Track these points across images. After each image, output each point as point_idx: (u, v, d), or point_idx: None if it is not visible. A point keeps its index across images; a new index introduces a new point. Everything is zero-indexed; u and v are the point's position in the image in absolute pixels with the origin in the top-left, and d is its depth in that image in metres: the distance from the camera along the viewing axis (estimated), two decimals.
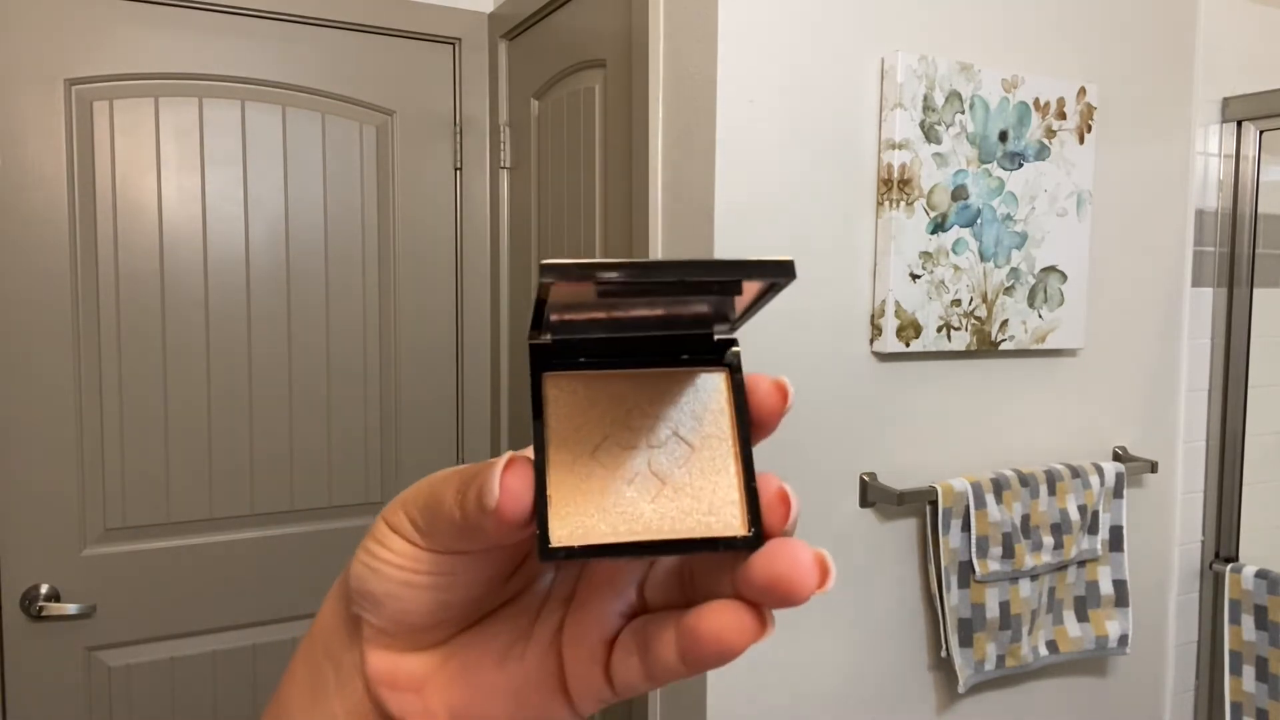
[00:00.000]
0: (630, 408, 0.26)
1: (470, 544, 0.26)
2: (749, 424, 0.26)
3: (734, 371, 0.27)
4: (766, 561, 0.24)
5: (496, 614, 0.30)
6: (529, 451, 0.28)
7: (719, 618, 0.24)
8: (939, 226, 1.29)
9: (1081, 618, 1.44)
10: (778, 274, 0.23)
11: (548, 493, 0.25)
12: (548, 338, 0.26)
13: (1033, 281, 1.38)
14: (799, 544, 0.24)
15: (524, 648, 0.29)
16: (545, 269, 0.22)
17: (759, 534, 0.25)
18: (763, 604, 0.24)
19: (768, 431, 0.27)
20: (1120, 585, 1.45)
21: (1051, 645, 1.41)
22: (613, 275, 0.22)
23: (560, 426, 0.26)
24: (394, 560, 0.27)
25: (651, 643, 0.26)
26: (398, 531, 0.27)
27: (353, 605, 0.29)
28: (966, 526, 1.31)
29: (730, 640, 0.24)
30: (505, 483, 0.24)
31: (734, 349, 0.27)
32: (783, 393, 0.26)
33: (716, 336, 0.27)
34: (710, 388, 0.27)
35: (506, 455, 0.24)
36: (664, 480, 0.26)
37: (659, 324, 0.26)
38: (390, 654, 0.29)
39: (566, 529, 0.25)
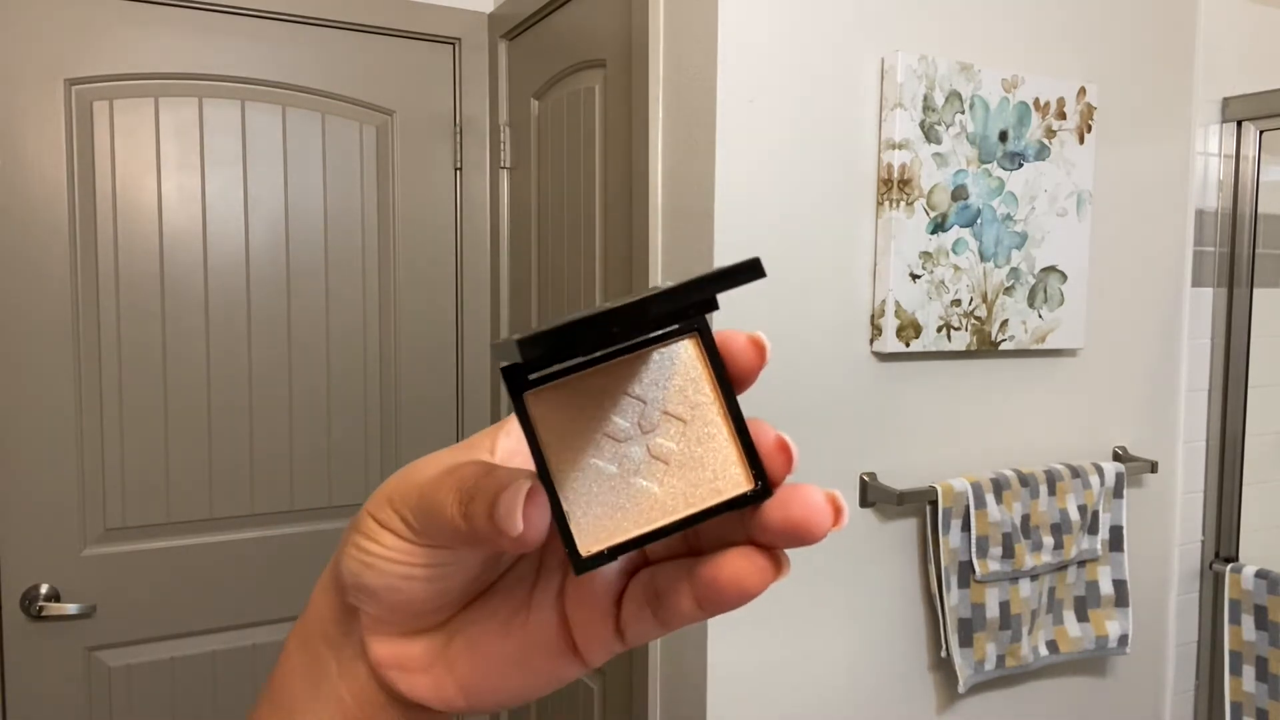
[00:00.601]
0: (614, 399, 0.26)
1: (473, 548, 0.26)
2: (730, 381, 0.26)
3: (703, 334, 0.27)
4: (782, 508, 0.25)
5: (495, 586, 0.30)
6: (523, 451, 0.28)
7: (737, 564, 0.25)
8: (939, 226, 1.29)
9: (1081, 618, 1.44)
10: (749, 278, 0.23)
11: (563, 508, 0.25)
12: (514, 358, 0.26)
13: (1033, 281, 1.38)
14: (810, 488, 0.25)
15: (526, 614, 0.29)
16: (522, 345, 0.22)
17: (766, 486, 0.26)
18: (779, 547, 0.25)
19: (747, 386, 0.27)
20: (1120, 585, 1.45)
21: (1051, 645, 1.41)
22: (586, 334, 0.23)
23: (554, 440, 0.26)
24: (389, 555, 0.27)
25: (665, 594, 0.27)
26: (388, 528, 0.27)
27: (347, 597, 0.29)
28: (966, 526, 1.31)
29: (749, 584, 0.25)
30: (528, 517, 0.24)
31: (704, 318, 0.27)
32: (758, 347, 0.26)
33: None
34: (685, 356, 0.27)
35: (522, 485, 0.24)
36: (666, 460, 0.26)
37: None
38: (393, 639, 0.29)
39: (591, 536, 0.25)
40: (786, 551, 0.26)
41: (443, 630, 0.29)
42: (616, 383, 0.26)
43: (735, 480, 0.26)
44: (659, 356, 0.26)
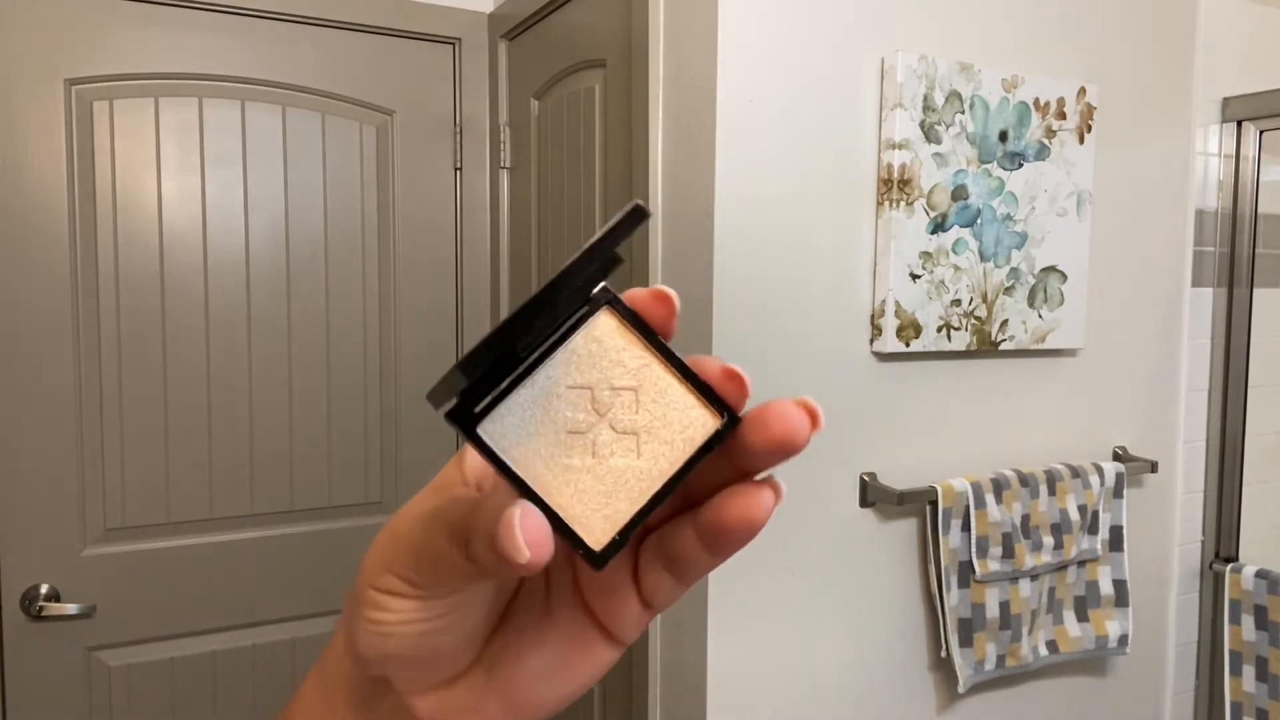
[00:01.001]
0: (561, 397, 0.26)
1: (483, 582, 0.26)
2: (658, 336, 0.27)
3: (615, 304, 0.27)
4: (761, 430, 0.25)
5: (512, 605, 0.30)
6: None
7: (736, 502, 0.26)
8: (939, 226, 1.29)
9: (1081, 618, 1.44)
10: (636, 224, 0.24)
11: (559, 516, 0.25)
12: (453, 400, 0.26)
13: (1033, 281, 1.38)
14: (781, 402, 0.25)
15: (552, 620, 0.29)
16: (462, 367, 0.23)
17: (732, 415, 0.26)
18: (769, 466, 0.26)
19: (671, 334, 0.27)
20: (1120, 585, 1.45)
21: (1051, 645, 1.41)
22: (511, 336, 0.23)
23: (522, 456, 0.26)
24: (402, 618, 0.27)
25: (676, 553, 0.27)
26: (393, 593, 0.27)
27: (371, 670, 0.28)
28: (966, 526, 1.31)
29: (755, 515, 0.26)
30: (529, 540, 0.23)
31: (601, 285, 0.27)
32: (659, 298, 0.27)
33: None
34: (606, 329, 0.27)
35: (514, 512, 0.24)
36: (635, 431, 0.26)
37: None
38: (435, 693, 0.29)
39: (597, 529, 0.25)
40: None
41: (479, 665, 0.29)
42: (556, 381, 0.26)
43: (703, 422, 0.26)
44: (583, 340, 0.27)
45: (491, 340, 0.23)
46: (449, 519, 0.25)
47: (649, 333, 0.27)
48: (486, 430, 0.26)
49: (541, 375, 0.26)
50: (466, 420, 0.26)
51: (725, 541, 0.26)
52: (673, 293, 0.27)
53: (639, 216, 0.24)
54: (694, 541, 0.27)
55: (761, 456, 0.25)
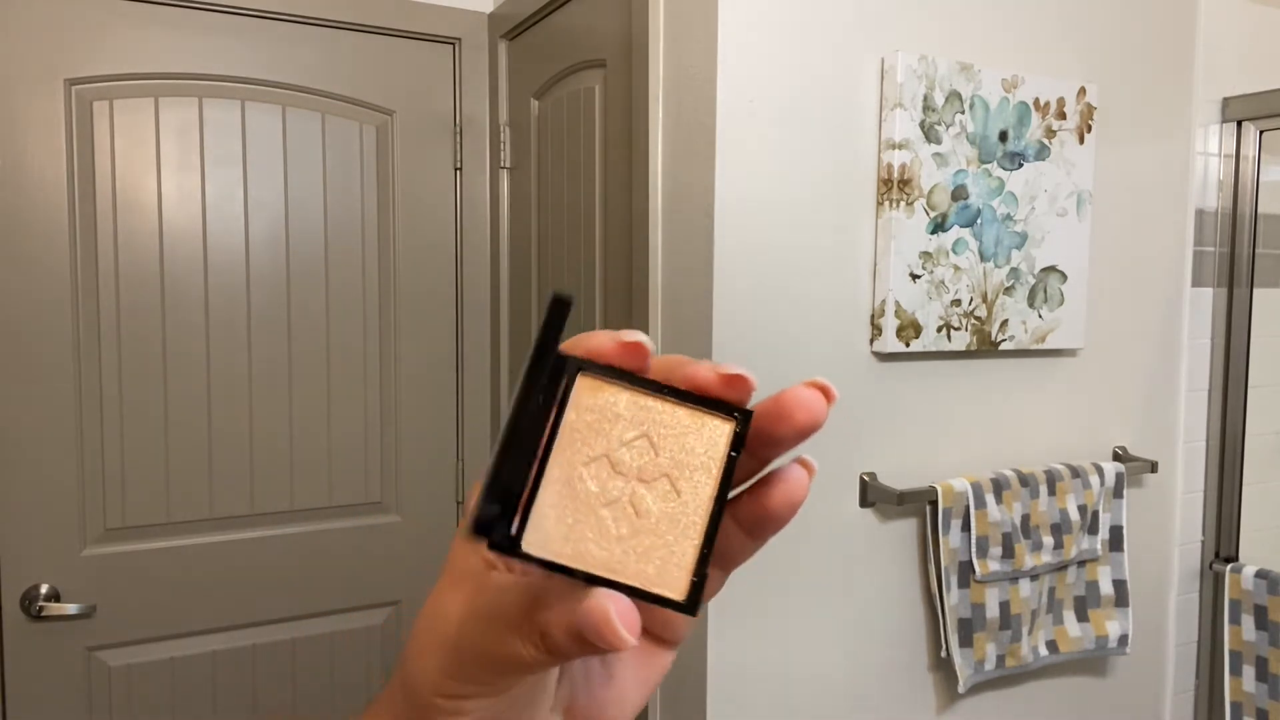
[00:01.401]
0: (581, 477, 0.26)
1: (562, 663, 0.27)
2: (638, 375, 0.27)
3: (585, 368, 0.26)
4: (782, 418, 0.26)
5: None
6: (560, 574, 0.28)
7: (778, 487, 0.27)
8: (939, 226, 1.29)
9: (1081, 618, 1.44)
10: (563, 313, 0.25)
11: (636, 586, 0.25)
12: (489, 534, 0.26)
13: (1033, 281, 1.38)
14: (796, 390, 0.26)
15: (614, 654, 0.30)
16: (479, 524, 0.24)
17: (743, 412, 0.26)
18: (790, 449, 0.27)
19: (648, 371, 0.27)
20: (1120, 585, 1.45)
21: (1051, 645, 1.41)
22: (514, 454, 0.24)
23: (574, 549, 0.25)
24: (482, 716, 0.27)
25: (721, 547, 0.28)
26: (462, 697, 0.27)
27: None
28: (966, 526, 1.31)
29: (796, 495, 0.27)
30: (625, 623, 0.24)
31: (566, 357, 0.27)
32: (631, 350, 0.26)
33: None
34: (590, 393, 0.27)
35: (606, 606, 0.24)
36: (664, 474, 0.26)
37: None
38: None
39: (675, 580, 0.26)
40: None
41: (553, 713, 0.30)
42: (570, 465, 0.26)
43: (721, 431, 0.26)
44: (574, 415, 0.26)
45: (489, 493, 0.24)
46: (509, 618, 0.25)
47: (630, 376, 0.26)
48: (531, 544, 0.25)
49: (554, 468, 0.26)
50: (510, 547, 0.25)
51: (770, 526, 0.27)
52: (643, 338, 0.26)
53: (561, 306, 0.24)
54: (736, 532, 0.28)
55: (789, 442, 0.26)
